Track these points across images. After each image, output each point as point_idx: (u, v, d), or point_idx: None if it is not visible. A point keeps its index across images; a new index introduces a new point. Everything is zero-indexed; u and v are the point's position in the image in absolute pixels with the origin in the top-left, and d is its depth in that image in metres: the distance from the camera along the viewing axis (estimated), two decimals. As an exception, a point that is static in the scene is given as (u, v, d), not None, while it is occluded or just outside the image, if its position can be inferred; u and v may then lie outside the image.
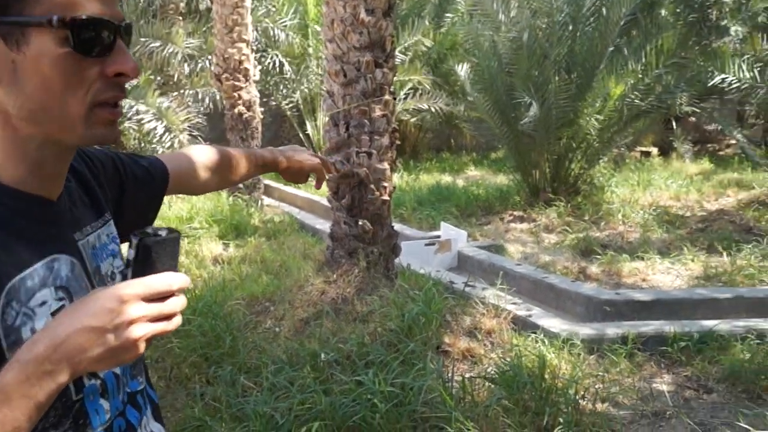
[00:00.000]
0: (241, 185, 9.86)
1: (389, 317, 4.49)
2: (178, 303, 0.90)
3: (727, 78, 8.37)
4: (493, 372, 4.03)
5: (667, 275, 6.52)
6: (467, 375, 3.99)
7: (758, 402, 3.85)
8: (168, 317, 0.89)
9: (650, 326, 4.67)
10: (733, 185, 11.06)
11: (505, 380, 3.77)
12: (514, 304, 5.17)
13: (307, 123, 13.13)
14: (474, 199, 10.25)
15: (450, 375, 3.94)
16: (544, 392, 3.64)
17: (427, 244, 7.20)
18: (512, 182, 10.84)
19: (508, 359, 4.04)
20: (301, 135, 13.48)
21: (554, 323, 4.74)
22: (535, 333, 4.59)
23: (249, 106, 9.83)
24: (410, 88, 13.43)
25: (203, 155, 1.58)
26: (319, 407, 3.43)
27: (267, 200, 10.86)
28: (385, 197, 5.12)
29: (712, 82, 8.76)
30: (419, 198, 10.39)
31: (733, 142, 16.34)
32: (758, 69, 8.42)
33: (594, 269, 6.69)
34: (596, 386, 4.00)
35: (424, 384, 3.55)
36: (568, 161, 10.04)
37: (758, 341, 4.36)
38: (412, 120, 14.18)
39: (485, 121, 10.27)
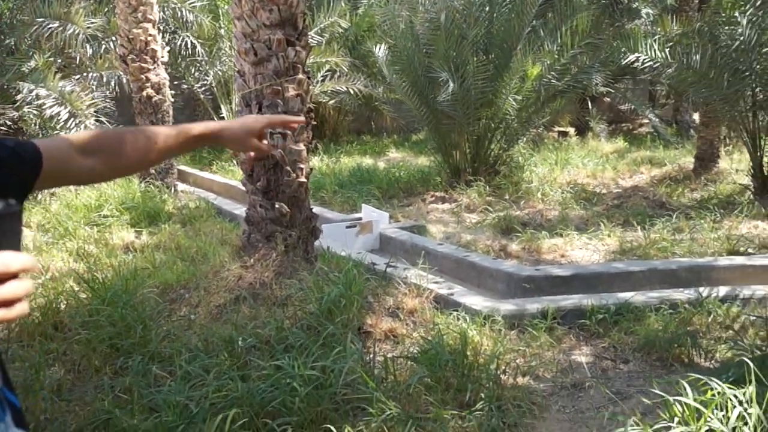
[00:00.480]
0: (152, 170, 9.53)
1: (308, 300, 4.37)
2: (19, 287, 0.77)
3: (640, 57, 8.54)
4: (415, 351, 3.98)
5: (585, 250, 6.62)
6: (389, 355, 3.93)
7: (671, 369, 3.93)
8: (7, 303, 0.76)
9: (569, 300, 4.71)
10: (646, 163, 11.39)
11: (426, 359, 3.71)
12: (436, 283, 5.13)
13: (222, 106, 12.79)
14: (395, 181, 10.20)
15: (372, 356, 3.87)
16: (466, 369, 3.61)
17: (348, 227, 7.11)
18: (433, 163, 10.85)
19: (430, 338, 3.99)
20: (215, 119, 13.15)
21: (476, 301, 4.73)
22: (457, 311, 4.56)
23: (158, 89, 9.46)
24: (328, 70, 13.26)
25: (88, 137, 1.40)
26: (235, 394, 3.29)
27: (181, 186, 10.53)
28: (302, 179, 4.98)
29: (626, 62, 8.94)
30: (340, 181, 10.27)
31: (646, 121, 16.84)
32: (668, 48, 8.63)
33: (514, 247, 6.73)
34: (517, 361, 3.99)
35: (344, 366, 3.46)
36: (487, 141, 10.10)
37: (671, 311, 4.46)
38: (331, 102, 14.01)
39: (405, 103, 10.22)
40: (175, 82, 12.72)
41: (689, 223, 7.17)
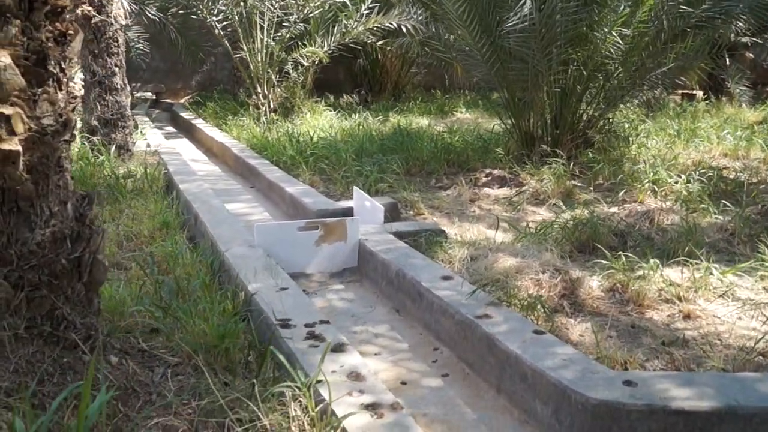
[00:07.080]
0: (94, 122, 6.84)
1: None
2: None
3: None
4: None
5: (732, 305, 3.39)
6: None
7: None
8: None
9: None
10: (816, 140, 7.79)
11: None
12: (375, 412, 2.09)
13: (243, 44, 9.98)
14: (443, 151, 7.17)
15: None
16: None
17: (301, 228, 4.12)
18: (502, 128, 7.72)
19: None
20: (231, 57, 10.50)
21: None
22: None
23: (100, 7, 6.76)
24: (374, 2, 10.12)
25: None
26: None
27: (160, 140, 7.95)
28: (12, 146, 1.93)
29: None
30: (363, 147, 7.32)
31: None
32: None
33: (594, 285, 3.58)
34: None
35: None
36: (576, 99, 6.87)
37: None
38: (379, 44, 10.95)
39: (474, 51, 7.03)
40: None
41: None
